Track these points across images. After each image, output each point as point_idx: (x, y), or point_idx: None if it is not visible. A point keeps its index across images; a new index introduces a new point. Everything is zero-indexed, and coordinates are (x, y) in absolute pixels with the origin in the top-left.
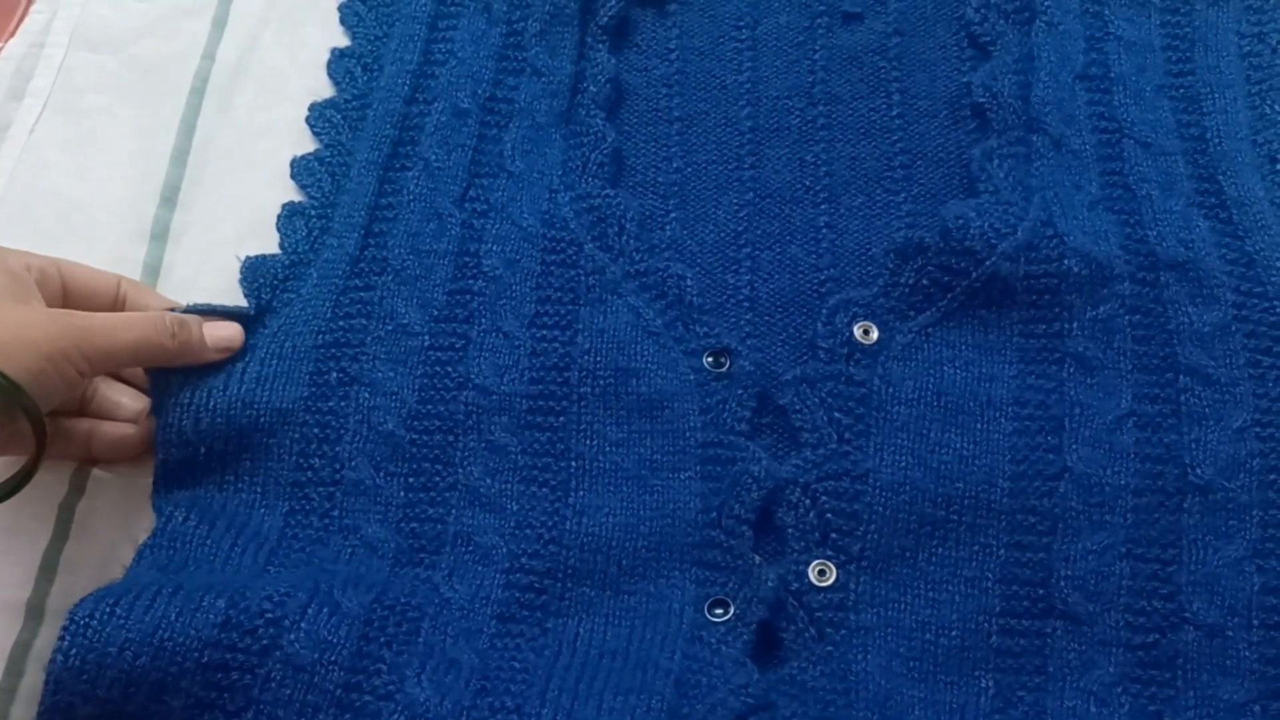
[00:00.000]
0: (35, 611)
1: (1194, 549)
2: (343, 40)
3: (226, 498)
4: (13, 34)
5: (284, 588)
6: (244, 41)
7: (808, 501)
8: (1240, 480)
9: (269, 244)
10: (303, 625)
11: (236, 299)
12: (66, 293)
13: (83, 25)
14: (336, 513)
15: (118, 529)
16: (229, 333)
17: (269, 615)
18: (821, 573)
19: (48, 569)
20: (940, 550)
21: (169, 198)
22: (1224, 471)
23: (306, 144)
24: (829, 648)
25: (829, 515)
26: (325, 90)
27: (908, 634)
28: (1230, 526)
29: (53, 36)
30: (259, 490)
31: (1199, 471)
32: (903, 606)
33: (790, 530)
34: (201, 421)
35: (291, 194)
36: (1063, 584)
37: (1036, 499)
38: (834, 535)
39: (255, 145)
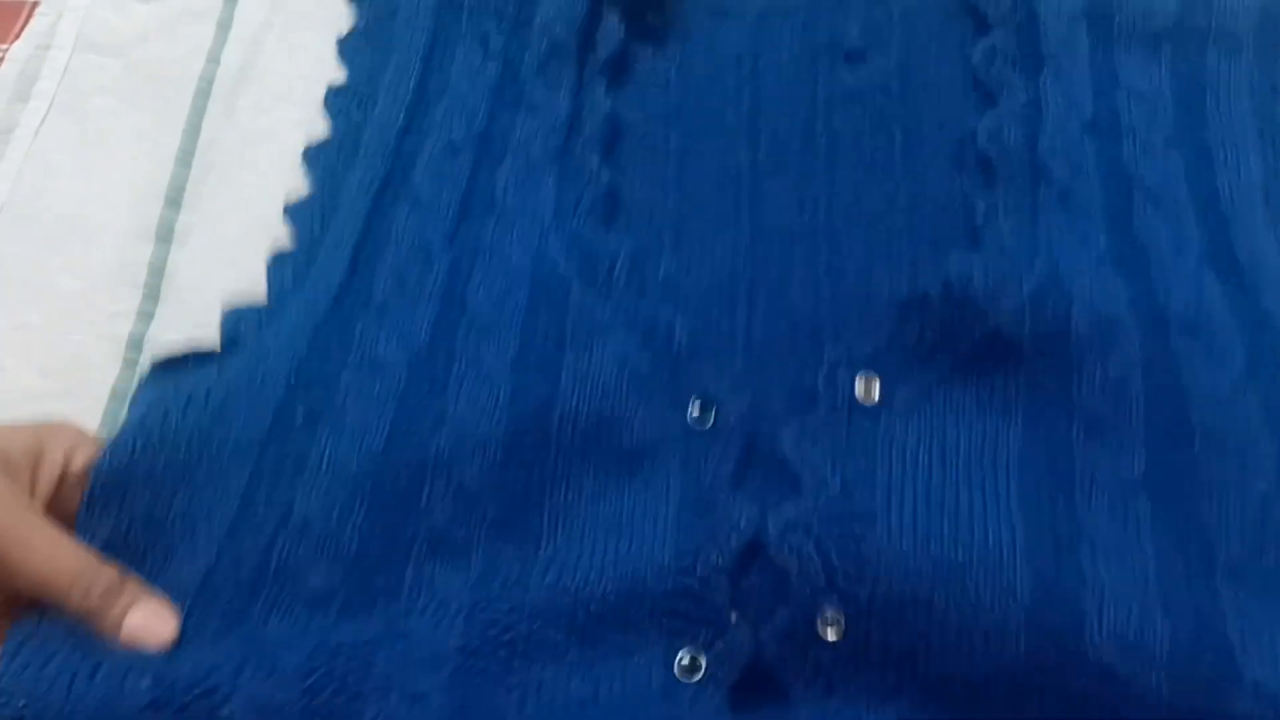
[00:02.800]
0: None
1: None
2: None
3: (151, 537)
4: (18, 37)
5: (213, 657)
6: (248, 45)
7: (811, 545)
8: (1273, 556)
9: (274, 243)
10: (236, 696)
11: (242, 299)
12: None
13: (87, 28)
14: (275, 560)
15: None
16: (156, 632)
17: (199, 689)
18: (830, 624)
19: None
20: (958, 597)
21: (174, 199)
22: (1253, 546)
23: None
24: (839, 701)
25: (835, 561)
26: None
27: (923, 687)
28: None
29: (58, 39)
30: (190, 530)
31: (1225, 548)
32: (918, 658)
33: (793, 577)
34: (152, 439)
35: (294, 194)
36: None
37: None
38: (841, 583)
39: (259, 147)
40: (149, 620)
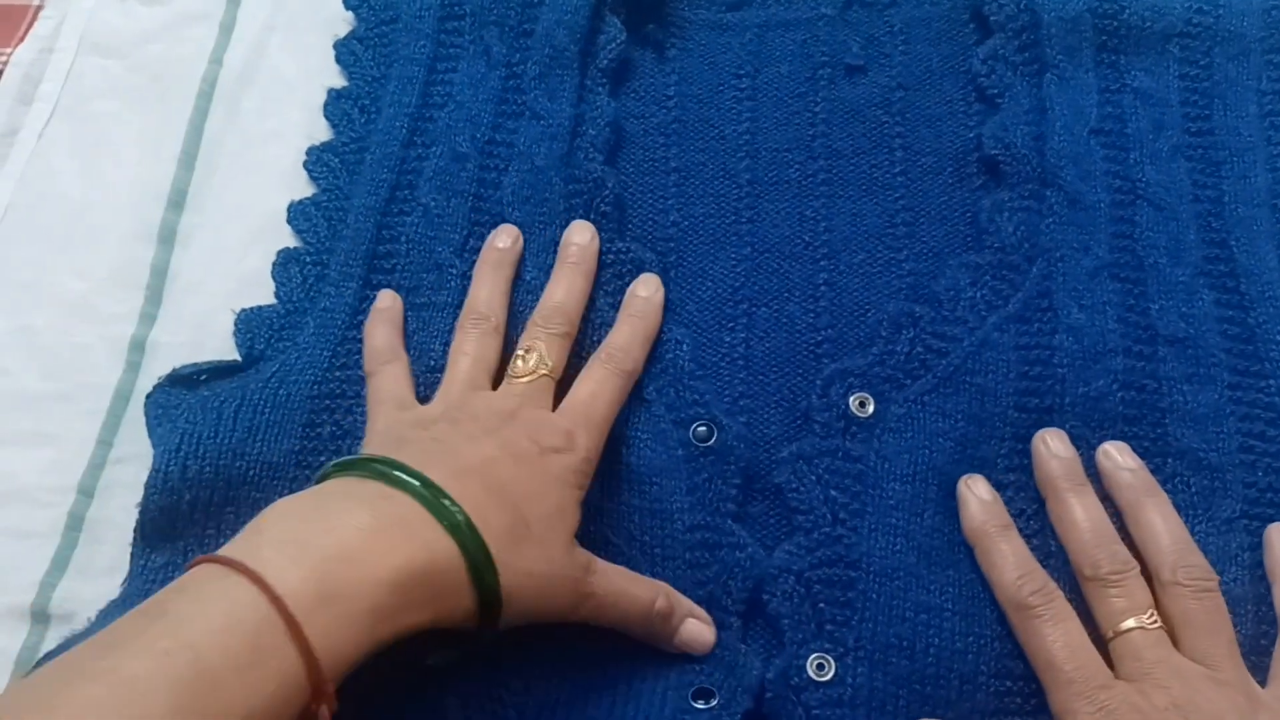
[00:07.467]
0: (41, 616)
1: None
2: None
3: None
4: (22, 39)
5: None
6: (251, 46)
7: (802, 591)
8: (1232, 573)
9: (276, 245)
10: None
11: (243, 301)
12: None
13: (91, 30)
14: None
15: (127, 534)
16: (701, 638)
17: None
18: (820, 666)
19: (55, 573)
20: (936, 641)
21: (176, 201)
22: (1214, 566)
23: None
24: None
25: (823, 605)
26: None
27: None
28: None
29: (61, 41)
30: None
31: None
32: (900, 701)
33: (785, 622)
34: (189, 469)
35: (297, 196)
36: None
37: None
38: (829, 626)
39: (262, 149)
40: (694, 631)
